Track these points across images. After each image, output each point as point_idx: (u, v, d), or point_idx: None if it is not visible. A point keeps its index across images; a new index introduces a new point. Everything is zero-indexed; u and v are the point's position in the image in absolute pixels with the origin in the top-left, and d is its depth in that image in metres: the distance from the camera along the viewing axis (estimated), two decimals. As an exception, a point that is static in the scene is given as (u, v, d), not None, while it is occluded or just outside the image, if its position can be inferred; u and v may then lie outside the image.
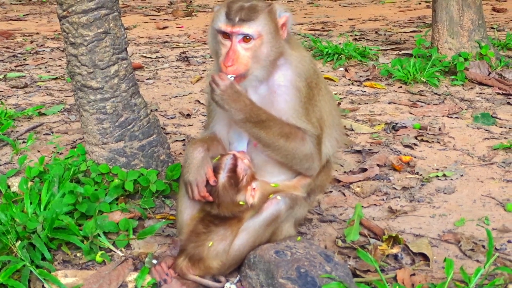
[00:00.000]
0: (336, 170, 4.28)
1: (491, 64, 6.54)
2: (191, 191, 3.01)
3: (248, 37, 2.86)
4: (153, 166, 3.88)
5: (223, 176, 2.99)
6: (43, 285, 2.99)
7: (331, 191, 4.02)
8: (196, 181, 2.98)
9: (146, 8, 12.57)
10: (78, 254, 3.30)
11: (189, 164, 3.03)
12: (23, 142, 4.81)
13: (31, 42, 9.04)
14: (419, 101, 5.82)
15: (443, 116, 5.41)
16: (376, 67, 6.80)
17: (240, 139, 3.08)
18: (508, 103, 5.76)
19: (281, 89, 2.96)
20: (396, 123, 5.16)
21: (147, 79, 6.77)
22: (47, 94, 6.22)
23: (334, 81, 6.52)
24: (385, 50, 7.76)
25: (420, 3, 12.31)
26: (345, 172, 4.30)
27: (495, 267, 2.97)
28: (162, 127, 4.38)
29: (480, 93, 6.05)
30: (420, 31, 8.77)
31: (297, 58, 3.02)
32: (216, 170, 3.01)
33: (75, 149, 4.11)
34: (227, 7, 2.90)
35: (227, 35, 2.89)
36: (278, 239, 3.07)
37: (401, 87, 6.25)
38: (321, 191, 3.46)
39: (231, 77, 2.84)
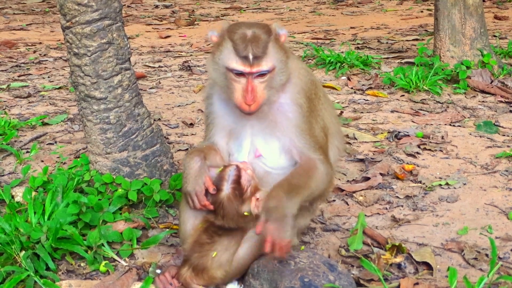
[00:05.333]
0: (339, 179, 4.28)
1: (493, 72, 6.54)
2: (191, 201, 3.01)
3: (264, 72, 2.83)
4: (157, 175, 3.89)
5: (227, 188, 2.98)
6: (47, 295, 3.01)
7: (334, 200, 4.02)
8: (195, 191, 2.99)
9: (149, 17, 12.60)
10: (82, 264, 3.31)
11: (187, 175, 3.03)
12: (27, 152, 4.82)
13: (34, 51, 9.07)
14: (421, 110, 5.82)
15: (445, 124, 5.42)
16: (379, 76, 6.80)
17: (240, 149, 3.07)
18: (511, 111, 5.76)
19: (283, 107, 2.96)
20: (399, 132, 5.16)
21: (150, 89, 6.78)
22: (51, 104, 6.24)
23: (336, 89, 6.53)
24: (387, 58, 7.77)
25: (422, 12, 12.32)
26: (348, 181, 4.30)
27: (499, 276, 2.97)
28: (165, 137, 4.38)
29: (483, 101, 6.05)
30: (422, 40, 8.78)
31: (295, 72, 2.99)
32: (219, 182, 3.00)
33: (78, 159, 4.13)
34: (234, 43, 2.81)
35: (241, 73, 2.83)
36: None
37: (403, 95, 6.25)
38: (323, 200, 3.46)
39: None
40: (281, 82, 2.91)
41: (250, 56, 2.77)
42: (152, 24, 11.73)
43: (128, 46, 3.80)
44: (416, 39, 9.04)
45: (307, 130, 2.98)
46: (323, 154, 3.04)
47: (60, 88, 6.87)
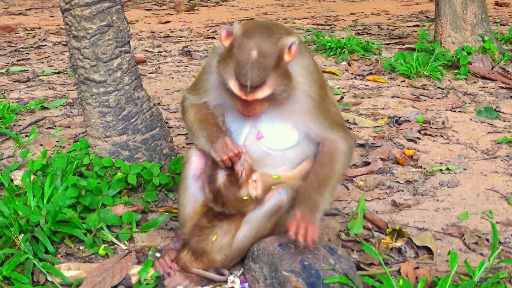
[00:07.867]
0: (339, 164, 4.26)
1: (494, 58, 6.52)
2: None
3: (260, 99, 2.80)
4: (156, 159, 3.87)
5: (222, 175, 2.96)
6: (46, 278, 2.99)
7: (334, 185, 4.01)
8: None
9: (148, 2, 12.56)
10: (81, 247, 3.30)
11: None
12: (26, 136, 4.81)
13: (33, 36, 9.04)
14: (422, 95, 5.80)
15: (446, 110, 5.40)
16: (379, 61, 6.78)
17: (239, 130, 3.02)
18: (511, 97, 5.75)
19: (295, 98, 2.90)
20: (399, 117, 5.15)
21: (149, 73, 6.76)
22: (50, 88, 6.21)
23: (337, 75, 6.51)
24: (388, 44, 7.75)
25: (422, -2, 12.29)
26: (348, 165, 4.29)
27: (499, 260, 2.97)
28: (165, 121, 4.36)
29: (483, 87, 6.04)
30: (423, 26, 8.75)
31: (304, 70, 2.92)
32: (213, 171, 2.98)
33: (78, 143, 4.11)
34: (237, 64, 2.72)
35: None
36: (281, 230, 3.05)
37: (404, 81, 6.23)
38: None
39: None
40: (283, 97, 2.85)
41: (248, 84, 2.71)
42: (151, 10, 11.69)
43: (128, 29, 3.77)
44: (417, 25, 9.01)
45: (320, 115, 2.95)
46: (342, 128, 3.01)
47: (59, 72, 6.85)
